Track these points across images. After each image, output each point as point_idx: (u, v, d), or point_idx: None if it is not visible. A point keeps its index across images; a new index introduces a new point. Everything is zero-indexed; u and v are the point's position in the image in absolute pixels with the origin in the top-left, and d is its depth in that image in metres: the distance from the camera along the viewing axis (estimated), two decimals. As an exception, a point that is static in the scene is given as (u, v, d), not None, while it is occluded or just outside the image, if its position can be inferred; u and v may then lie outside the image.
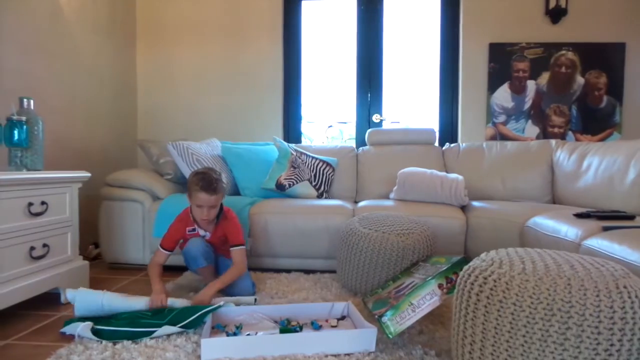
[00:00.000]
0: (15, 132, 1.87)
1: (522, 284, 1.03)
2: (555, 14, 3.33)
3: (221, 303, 1.61)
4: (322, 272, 2.42)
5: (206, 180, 1.87)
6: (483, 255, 1.23)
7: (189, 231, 2.00)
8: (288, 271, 2.43)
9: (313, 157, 2.88)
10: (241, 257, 1.95)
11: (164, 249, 1.96)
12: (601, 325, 0.95)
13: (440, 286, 1.39)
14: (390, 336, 1.34)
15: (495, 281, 1.08)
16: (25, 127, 1.90)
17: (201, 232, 2.01)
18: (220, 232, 2.01)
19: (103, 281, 2.33)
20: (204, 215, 1.90)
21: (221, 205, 2.00)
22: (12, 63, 2.33)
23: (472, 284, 1.13)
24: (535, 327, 0.99)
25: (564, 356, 0.97)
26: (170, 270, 2.32)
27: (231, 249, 1.97)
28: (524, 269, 1.07)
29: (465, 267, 1.21)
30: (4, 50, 2.28)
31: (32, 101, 2.01)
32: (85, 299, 1.66)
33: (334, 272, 2.36)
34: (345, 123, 3.85)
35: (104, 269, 2.60)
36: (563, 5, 3.30)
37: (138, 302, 1.70)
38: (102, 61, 3.17)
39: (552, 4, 3.32)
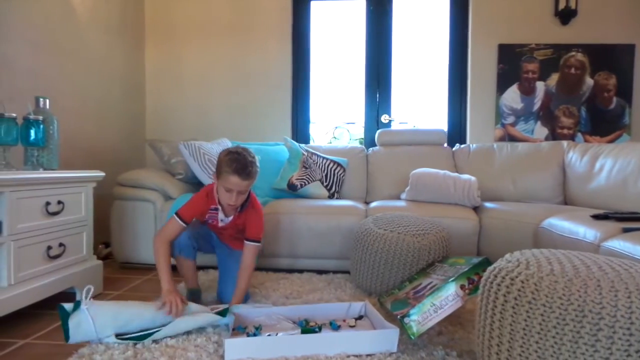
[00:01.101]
0: (32, 131, 1.88)
1: (552, 285, 1.03)
2: (565, 15, 3.33)
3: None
4: (335, 272, 2.42)
5: (241, 162, 1.64)
6: (507, 256, 1.23)
7: (211, 210, 1.80)
8: (300, 271, 2.43)
9: (324, 158, 2.88)
10: (254, 255, 1.80)
11: (182, 219, 1.72)
12: (633, 327, 0.95)
13: (462, 287, 1.39)
14: (413, 337, 1.33)
15: (523, 282, 1.08)
16: (42, 126, 1.90)
17: (221, 216, 1.81)
18: (241, 221, 1.82)
19: (115, 281, 2.33)
20: (232, 201, 1.69)
21: (249, 192, 1.80)
22: (25, 62, 2.34)
23: (499, 284, 1.13)
24: (566, 329, 0.99)
25: (595, 357, 0.97)
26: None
27: (247, 242, 1.79)
28: (552, 270, 1.07)
29: (490, 268, 1.21)
30: (17, 50, 2.28)
31: (47, 100, 2.02)
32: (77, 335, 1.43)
33: (346, 272, 2.36)
34: (352, 124, 3.85)
35: (116, 268, 2.60)
36: (573, 6, 3.30)
37: (146, 311, 1.53)
38: (112, 61, 3.18)
39: (562, 5, 3.32)
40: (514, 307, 1.08)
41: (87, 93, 2.88)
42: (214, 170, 1.76)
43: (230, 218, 1.82)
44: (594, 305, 0.98)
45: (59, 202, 1.83)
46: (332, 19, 3.71)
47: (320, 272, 2.42)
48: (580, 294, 0.99)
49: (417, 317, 1.34)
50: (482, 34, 3.45)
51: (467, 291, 1.38)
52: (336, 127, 3.89)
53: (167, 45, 3.66)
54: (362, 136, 3.76)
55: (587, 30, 3.35)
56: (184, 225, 1.73)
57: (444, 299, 1.37)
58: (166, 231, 1.73)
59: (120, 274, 2.49)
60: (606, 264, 1.09)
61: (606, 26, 3.34)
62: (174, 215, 1.73)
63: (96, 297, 2.05)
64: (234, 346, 1.30)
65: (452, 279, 1.41)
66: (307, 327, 1.48)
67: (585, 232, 1.69)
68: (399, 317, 1.37)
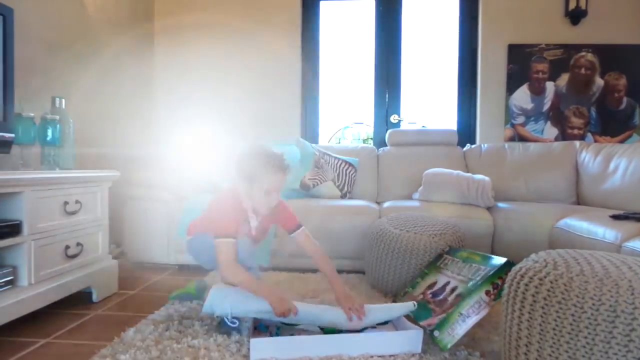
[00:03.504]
0: (49, 131, 1.88)
1: (582, 285, 1.03)
2: (575, 16, 3.33)
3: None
4: (349, 272, 2.41)
5: (278, 158, 1.56)
6: (533, 256, 1.23)
7: (244, 221, 1.66)
8: (314, 271, 2.43)
9: (336, 158, 2.88)
10: (310, 238, 1.70)
11: (230, 236, 1.53)
12: (666, 327, 0.95)
13: (487, 293, 1.39)
14: (445, 349, 1.35)
15: (552, 282, 1.08)
16: (58, 126, 1.91)
17: (253, 223, 1.67)
18: (268, 222, 1.74)
19: (129, 280, 2.32)
20: (273, 202, 1.60)
21: None
22: (40, 62, 2.33)
23: (527, 285, 1.13)
24: (598, 329, 0.99)
25: (628, 358, 0.96)
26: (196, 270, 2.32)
27: (294, 234, 1.70)
28: (582, 270, 1.07)
29: (516, 269, 1.21)
30: (33, 50, 2.28)
31: (63, 100, 2.02)
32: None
33: (360, 272, 2.36)
34: (361, 123, 3.85)
35: (128, 268, 2.60)
36: (583, 6, 3.29)
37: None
38: (122, 61, 3.18)
39: (572, 5, 3.31)
40: (544, 307, 1.08)
41: (97, 92, 2.87)
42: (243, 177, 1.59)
43: (259, 220, 1.70)
44: (626, 305, 0.98)
45: (77, 202, 1.83)
46: (341, 19, 3.71)
47: (333, 272, 2.42)
48: (612, 294, 0.99)
49: (447, 329, 1.35)
50: (492, 34, 3.44)
51: (492, 296, 1.38)
52: (345, 127, 3.89)
53: (177, 45, 3.65)
54: (366, 136, 3.76)
55: (597, 31, 3.35)
56: (234, 240, 1.53)
57: (470, 307, 1.37)
58: (226, 256, 1.51)
59: (134, 273, 2.49)
60: (636, 265, 1.09)
61: (616, 26, 3.33)
62: (219, 239, 1.52)
63: (111, 296, 2.06)
64: (259, 345, 1.30)
65: (475, 283, 1.41)
66: (330, 327, 1.48)
67: (605, 232, 1.69)
68: (429, 330, 1.39)
